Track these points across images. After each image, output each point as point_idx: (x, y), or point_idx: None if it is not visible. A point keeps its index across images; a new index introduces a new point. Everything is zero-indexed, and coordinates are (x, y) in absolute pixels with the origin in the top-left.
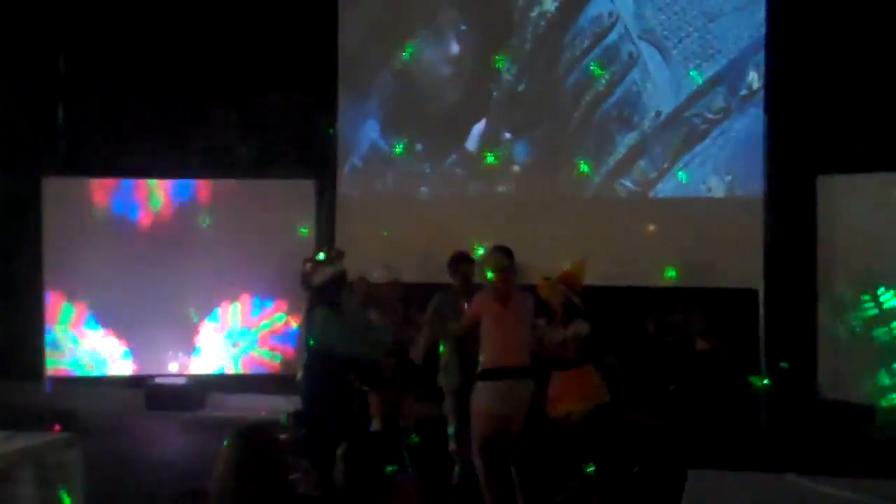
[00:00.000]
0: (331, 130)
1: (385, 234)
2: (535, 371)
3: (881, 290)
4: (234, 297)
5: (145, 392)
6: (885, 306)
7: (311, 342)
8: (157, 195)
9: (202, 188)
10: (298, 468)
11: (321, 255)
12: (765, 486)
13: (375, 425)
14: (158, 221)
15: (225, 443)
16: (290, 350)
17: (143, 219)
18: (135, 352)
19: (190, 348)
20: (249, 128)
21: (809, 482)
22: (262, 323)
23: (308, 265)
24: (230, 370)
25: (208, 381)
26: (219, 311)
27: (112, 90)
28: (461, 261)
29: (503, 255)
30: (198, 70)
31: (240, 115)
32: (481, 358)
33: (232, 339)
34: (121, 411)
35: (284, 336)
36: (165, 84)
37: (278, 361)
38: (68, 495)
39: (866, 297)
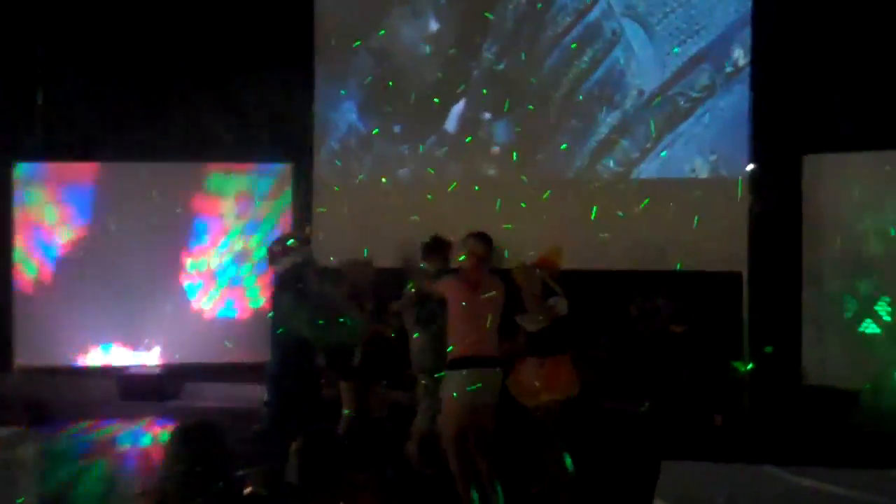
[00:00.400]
0: (311, 114)
1: (362, 218)
2: (504, 361)
3: (868, 273)
4: None
5: (118, 382)
6: (872, 290)
7: (277, 329)
8: (131, 179)
9: (176, 172)
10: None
11: (290, 241)
12: (742, 478)
13: (346, 414)
14: (132, 206)
15: (167, 439)
16: None
17: (115, 203)
18: (109, 340)
19: (167, 336)
20: (227, 111)
21: (788, 474)
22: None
23: (276, 247)
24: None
25: (185, 371)
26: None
27: (89, 75)
28: (437, 247)
29: (479, 241)
30: (174, 53)
31: (217, 98)
32: (450, 346)
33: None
34: (93, 402)
35: None
36: (142, 68)
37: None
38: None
39: (853, 281)
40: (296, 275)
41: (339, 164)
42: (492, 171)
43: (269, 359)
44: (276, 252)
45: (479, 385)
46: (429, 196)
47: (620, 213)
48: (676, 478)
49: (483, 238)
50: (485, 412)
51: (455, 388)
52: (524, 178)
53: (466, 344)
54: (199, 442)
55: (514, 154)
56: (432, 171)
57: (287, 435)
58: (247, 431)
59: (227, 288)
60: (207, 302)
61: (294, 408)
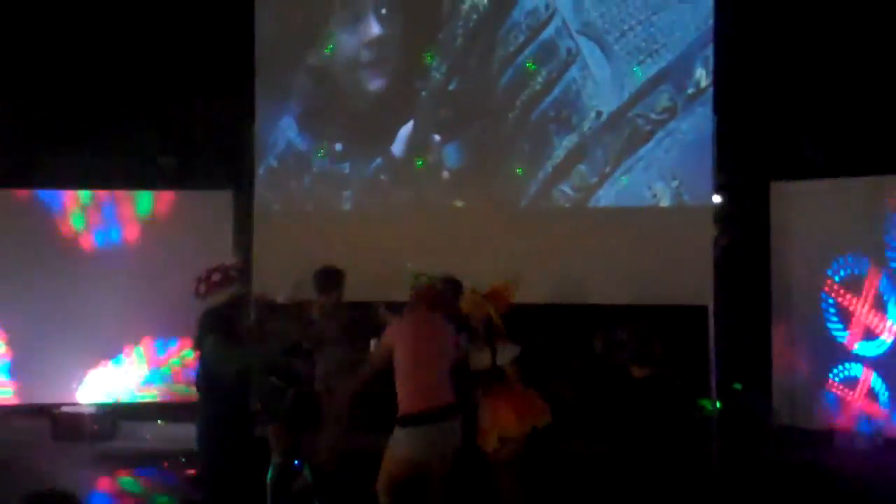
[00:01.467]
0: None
1: (305, 245)
2: (461, 405)
3: (839, 303)
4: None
5: (51, 421)
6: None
7: (202, 373)
8: (64, 209)
9: (115, 202)
10: None
11: (220, 273)
12: None
13: (275, 459)
14: (65, 237)
15: None
16: None
17: (49, 234)
18: (38, 378)
19: (99, 374)
20: (166, 136)
21: None
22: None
23: (205, 281)
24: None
25: (120, 410)
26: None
27: (22, 100)
28: (330, 278)
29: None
30: (108, 76)
31: (155, 123)
32: (399, 399)
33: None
34: (24, 442)
35: None
36: (78, 93)
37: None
38: None
39: (824, 313)
40: (226, 314)
41: (279, 188)
42: (441, 197)
43: (198, 401)
44: (206, 286)
45: (433, 443)
46: (374, 223)
47: (578, 243)
48: None
49: (452, 283)
50: (438, 467)
51: (406, 445)
52: (464, 203)
53: (419, 397)
54: None
55: (465, 179)
56: (377, 197)
57: (220, 482)
58: (182, 475)
59: None
60: None
61: (226, 453)
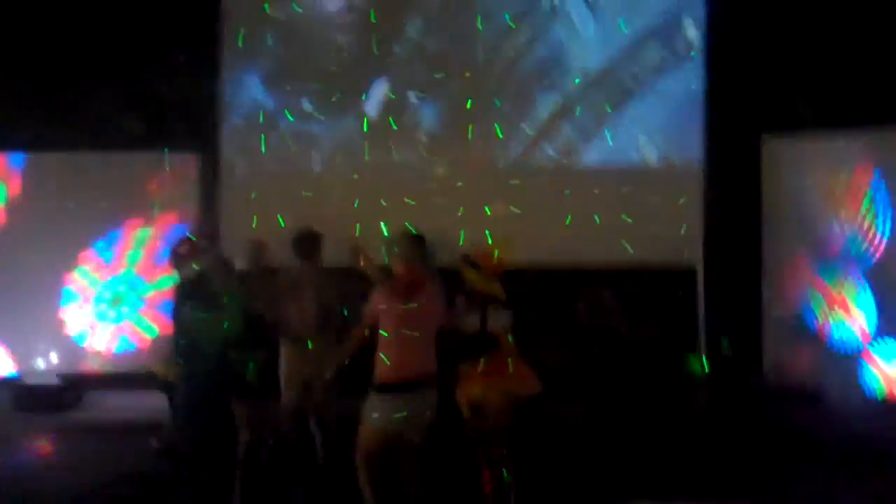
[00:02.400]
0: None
1: (272, 208)
2: (444, 374)
3: (831, 263)
4: None
5: (12, 392)
6: (835, 281)
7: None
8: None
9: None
10: None
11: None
12: None
13: (244, 437)
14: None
15: None
16: None
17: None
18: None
19: (63, 342)
20: (129, 96)
21: None
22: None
23: (181, 248)
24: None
25: (85, 380)
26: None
27: None
28: (307, 241)
29: (411, 244)
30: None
31: (119, 82)
32: (377, 364)
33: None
34: None
35: None
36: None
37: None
38: None
39: (816, 272)
40: (197, 283)
41: (246, 149)
42: (417, 159)
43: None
44: (181, 254)
45: (405, 413)
46: (346, 185)
47: (563, 205)
48: None
49: (416, 240)
50: (411, 437)
51: (379, 412)
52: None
53: (398, 365)
54: None
55: (443, 140)
56: (350, 159)
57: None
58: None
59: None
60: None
61: (204, 428)
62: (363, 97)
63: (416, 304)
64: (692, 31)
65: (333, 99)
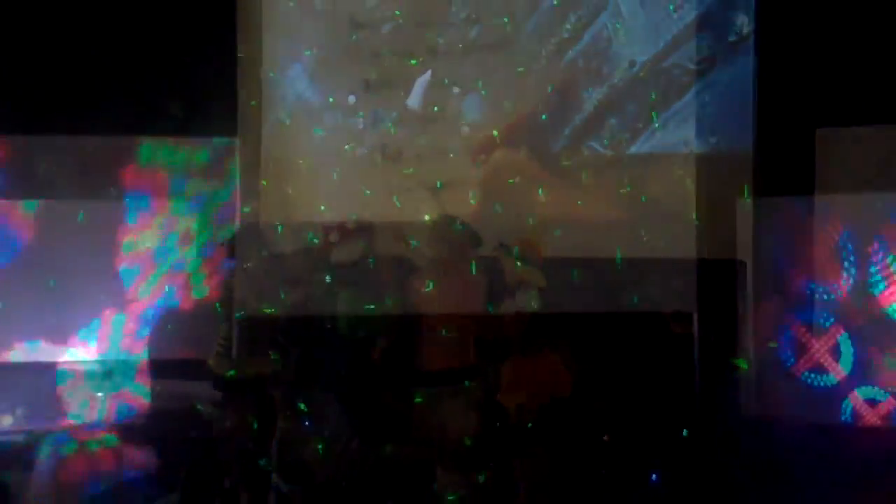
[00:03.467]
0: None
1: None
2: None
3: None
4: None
5: None
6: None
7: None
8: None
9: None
10: None
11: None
12: None
13: None
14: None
15: None
16: None
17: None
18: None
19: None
20: (167, 83)
21: None
22: None
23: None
24: None
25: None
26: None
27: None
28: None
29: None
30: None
31: (157, 69)
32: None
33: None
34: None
35: None
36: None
37: None
38: None
39: (872, 268)
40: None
41: (288, 137)
42: (460, 147)
43: None
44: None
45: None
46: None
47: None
48: None
49: (455, 224)
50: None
51: None
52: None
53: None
54: None
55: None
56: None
57: None
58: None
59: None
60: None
61: None
62: (410, 84)
63: (456, 291)
64: (745, 22)
65: (376, 92)
